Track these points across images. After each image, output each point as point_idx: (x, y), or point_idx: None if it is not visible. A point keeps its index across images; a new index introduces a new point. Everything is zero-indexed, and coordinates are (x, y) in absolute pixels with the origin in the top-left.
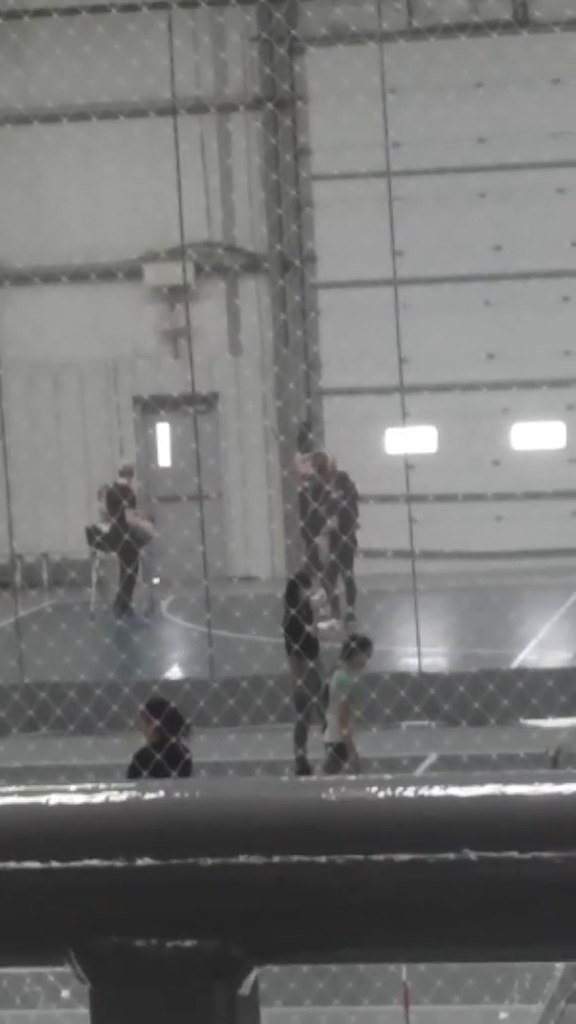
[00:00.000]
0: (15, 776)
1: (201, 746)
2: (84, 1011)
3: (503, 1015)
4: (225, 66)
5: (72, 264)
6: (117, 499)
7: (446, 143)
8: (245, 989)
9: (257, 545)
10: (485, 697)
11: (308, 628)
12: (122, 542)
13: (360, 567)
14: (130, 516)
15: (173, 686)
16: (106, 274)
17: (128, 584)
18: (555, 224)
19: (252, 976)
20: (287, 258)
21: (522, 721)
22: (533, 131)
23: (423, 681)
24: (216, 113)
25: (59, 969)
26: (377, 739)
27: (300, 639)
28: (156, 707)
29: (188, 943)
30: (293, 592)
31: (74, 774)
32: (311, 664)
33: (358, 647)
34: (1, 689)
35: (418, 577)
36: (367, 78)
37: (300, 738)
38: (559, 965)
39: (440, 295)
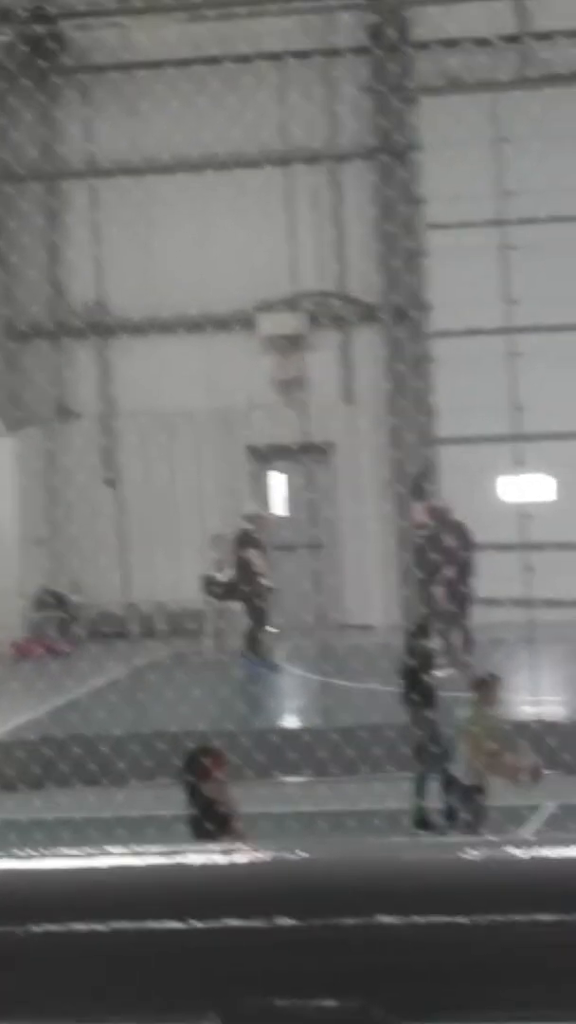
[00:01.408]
0: (135, 826)
1: (321, 796)
2: None
3: None
4: (338, 117)
5: (186, 315)
6: (244, 544)
7: (562, 191)
8: None
9: (373, 594)
10: None
11: (426, 677)
12: (251, 587)
13: (477, 616)
14: (257, 560)
15: (291, 734)
16: (220, 324)
17: (259, 626)
18: None
19: None
20: (401, 307)
21: None
22: None
23: (542, 730)
24: (330, 163)
25: None
26: (496, 788)
27: (418, 688)
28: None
29: (330, 1003)
30: (412, 641)
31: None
32: (429, 713)
33: (489, 680)
34: (120, 739)
35: (537, 626)
36: (481, 127)
37: (420, 789)
38: None
39: (557, 343)
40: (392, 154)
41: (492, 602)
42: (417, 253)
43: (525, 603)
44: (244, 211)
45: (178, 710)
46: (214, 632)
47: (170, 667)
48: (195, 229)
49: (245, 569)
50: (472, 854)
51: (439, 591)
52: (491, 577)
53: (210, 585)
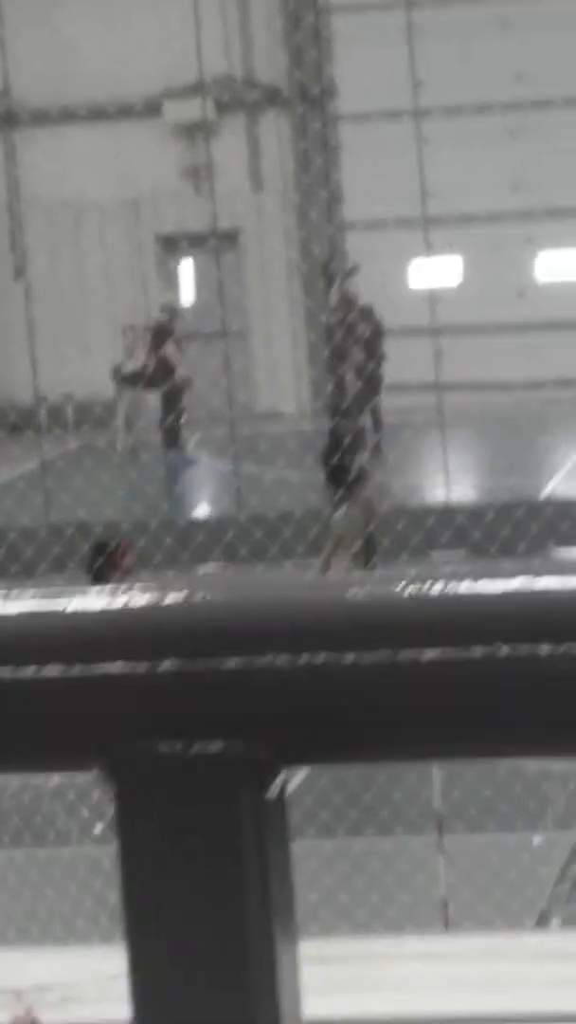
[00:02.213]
0: None
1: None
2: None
3: (537, 841)
4: None
5: (93, 101)
6: (160, 336)
7: None
8: (273, 792)
9: (284, 380)
10: (514, 525)
11: (347, 461)
12: (169, 380)
13: (386, 400)
14: (173, 352)
15: (199, 523)
16: (125, 111)
17: (177, 418)
18: None
19: (280, 779)
20: (307, 89)
21: (552, 548)
22: None
23: (452, 511)
24: None
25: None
26: (406, 568)
27: (339, 472)
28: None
29: (214, 747)
30: (334, 425)
31: None
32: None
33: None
34: (28, 529)
35: (445, 409)
36: None
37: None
38: None
39: (463, 126)
40: None
41: (400, 386)
42: (322, 33)
43: (433, 387)
44: None
45: (88, 499)
46: (124, 422)
47: (79, 456)
48: (101, 14)
49: (163, 362)
50: (357, 591)
51: (350, 375)
52: (399, 361)
53: (121, 375)
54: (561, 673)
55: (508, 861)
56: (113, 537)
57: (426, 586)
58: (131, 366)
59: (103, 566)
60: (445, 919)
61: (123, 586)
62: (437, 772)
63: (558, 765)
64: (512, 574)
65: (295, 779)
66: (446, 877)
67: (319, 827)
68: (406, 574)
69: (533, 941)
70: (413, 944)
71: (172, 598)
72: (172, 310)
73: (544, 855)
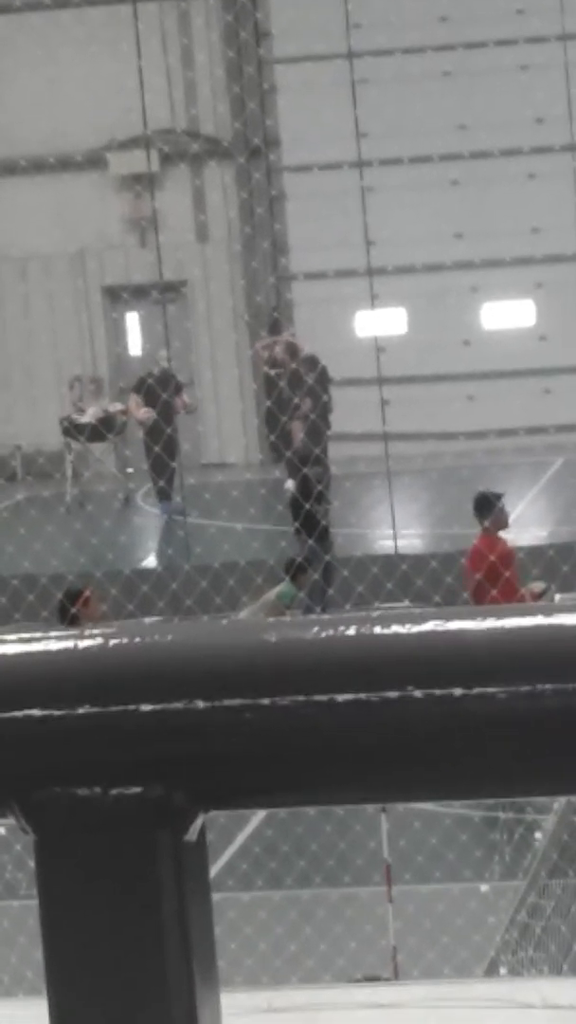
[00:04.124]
0: None
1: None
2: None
3: (484, 888)
4: None
5: (36, 155)
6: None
7: (408, 23)
8: (192, 835)
9: (231, 432)
10: (458, 573)
11: (311, 508)
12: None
13: (331, 450)
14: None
15: (146, 572)
16: (70, 164)
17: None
18: (519, 101)
19: (198, 822)
20: (249, 140)
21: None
22: (496, 7)
23: (396, 560)
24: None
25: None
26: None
27: (306, 520)
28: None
29: (132, 791)
30: (297, 474)
31: None
32: (314, 544)
33: (304, 566)
34: None
35: (390, 459)
36: None
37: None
38: (539, 838)
39: (406, 176)
40: None
41: (344, 436)
42: (264, 85)
43: (377, 437)
44: (93, 49)
45: (32, 550)
46: (72, 474)
47: (26, 508)
48: (43, 68)
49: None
50: (271, 635)
51: (296, 426)
52: (345, 411)
53: (70, 427)
54: (473, 715)
55: (456, 910)
56: (76, 591)
57: (339, 630)
58: (80, 418)
59: (76, 614)
60: (394, 968)
61: (38, 633)
62: (384, 822)
63: (503, 813)
64: (424, 619)
65: (245, 831)
66: (394, 926)
67: (267, 877)
68: (320, 619)
69: (482, 988)
70: (362, 994)
71: (87, 644)
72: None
73: (492, 903)
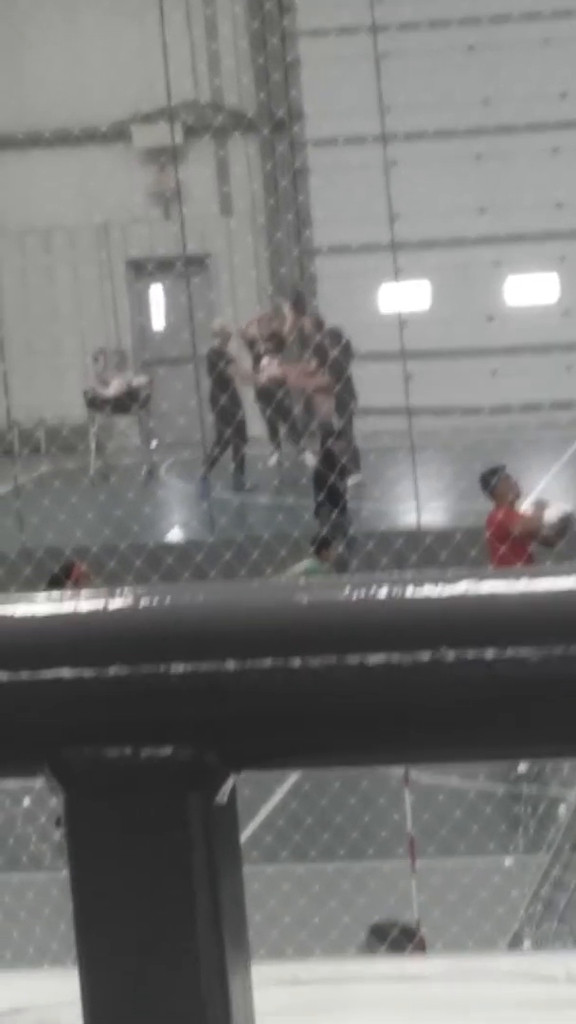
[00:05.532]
0: None
1: None
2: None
3: (508, 861)
4: None
5: (62, 127)
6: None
7: None
8: (222, 798)
9: (254, 406)
10: (481, 546)
11: (336, 483)
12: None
13: (359, 425)
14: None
15: (167, 545)
16: (95, 136)
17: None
18: (543, 75)
19: (229, 784)
20: (273, 113)
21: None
22: None
23: (420, 535)
24: None
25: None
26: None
27: (329, 494)
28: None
29: (162, 752)
30: (323, 448)
31: None
32: (337, 516)
33: (328, 540)
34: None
35: (414, 434)
36: None
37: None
38: (563, 811)
39: (430, 149)
40: None
41: (368, 411)
42: (292, 61)
43: (401, 411)
44: (117, 21)
45: (57, 522)
46: (96, 447)
47: (51, 481)
48: (68, 40)
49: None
50: (303, 596)
51: (319, 400)
52: (368, 385)
53: (94, 399)
54: (505, 677)
55: (480, 883)
56: (69, 566)
57: (372, 591)
58: (105, 391)
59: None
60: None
61: (69, 593)
62: (408, 795)
63: (527, 787)
64: (456, 579)
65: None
66: (418, 899)
67: (292, 849)
68: (353, 579)
69: (506, 962)
70: (385, 966)
71: (118, 604)
72: (222, 332)
73: (515, 877)
